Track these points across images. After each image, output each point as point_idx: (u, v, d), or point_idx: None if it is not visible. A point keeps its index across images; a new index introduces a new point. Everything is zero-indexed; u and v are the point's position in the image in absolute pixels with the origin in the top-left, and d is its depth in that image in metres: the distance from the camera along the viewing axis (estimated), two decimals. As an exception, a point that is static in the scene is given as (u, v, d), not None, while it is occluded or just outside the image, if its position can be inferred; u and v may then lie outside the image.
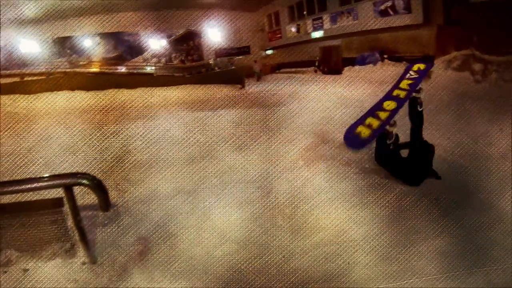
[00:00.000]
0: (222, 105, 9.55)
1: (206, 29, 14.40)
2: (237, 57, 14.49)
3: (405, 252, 3.73)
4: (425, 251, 3.74)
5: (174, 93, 11.55)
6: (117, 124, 8.08)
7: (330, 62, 13.85)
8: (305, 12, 14.42)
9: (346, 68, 12.82)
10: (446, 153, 5.57)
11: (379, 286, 3.43)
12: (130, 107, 9.73)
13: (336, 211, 4.41)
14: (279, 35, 15.62)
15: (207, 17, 13.91)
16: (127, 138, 7.04)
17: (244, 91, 11.95)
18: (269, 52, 15.68)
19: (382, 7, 11.61)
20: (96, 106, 9.69)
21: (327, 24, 13.67)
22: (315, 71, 14.20)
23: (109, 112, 9.25)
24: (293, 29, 14.88)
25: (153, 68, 14.13)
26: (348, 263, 3.70)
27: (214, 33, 14.34)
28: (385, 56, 11.94)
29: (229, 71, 13.80)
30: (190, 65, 14.47)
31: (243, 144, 6.53)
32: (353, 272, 3.57)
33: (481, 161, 5.22)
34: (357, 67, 12.47)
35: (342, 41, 13.48)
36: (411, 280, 3.46)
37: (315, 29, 14.07)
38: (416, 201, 4.51)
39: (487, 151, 5.46)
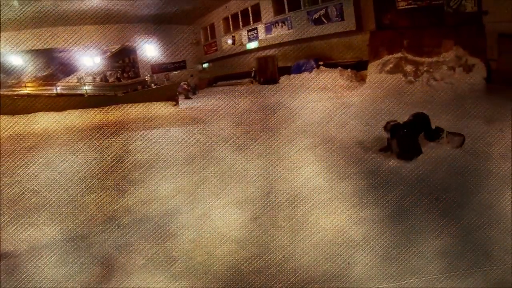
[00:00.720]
0: (150, 125, 8.67)
1: (142, 44, 14.07)
2: (174, 72, 14.30)
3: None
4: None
5: (103, 115, 10.45)
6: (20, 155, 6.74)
7: (266, 72, 14.02)
8: (241, 24, 14.58)
9: (282, 77, 12.97)
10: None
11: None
12: (49, 134, 8.44)
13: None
14: (214, 48, 15.71)
15: (142, 32, 13.64)
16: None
17: (178, 108, 11.54)
18: (205, 65, 15.66)
19: (316, 15, 11.97)
20: (12, 134, 8.38)
21: (262, 35, 13.83)
22: (252, 82, 14.26)
23: (24, 139, 7.91)
24: (229, 41, 15.01)
25: (86, 88, 12.89)
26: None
27: (150, 48, 14.01)
28: (321, 63, 12.18)
29: (163, 87, 13.41)
30: (126, 83, 13.85)
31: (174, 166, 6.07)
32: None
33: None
34: (293, 76, 12.64)
35: (277, 51, 13.58)
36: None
37: (250, 40, 14.21)
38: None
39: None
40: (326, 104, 8.44)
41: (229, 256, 3.85)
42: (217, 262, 3.78)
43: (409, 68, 9.58)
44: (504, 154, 5.18)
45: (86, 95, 12.67)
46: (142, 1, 12.52)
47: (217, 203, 4.70)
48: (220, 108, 9.31)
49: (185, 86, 13.52)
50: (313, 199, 4.63)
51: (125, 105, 10.78)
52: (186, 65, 14.57)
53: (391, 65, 9.94)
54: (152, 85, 13.68)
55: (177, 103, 11.95)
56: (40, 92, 12.66)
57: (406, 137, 5.52)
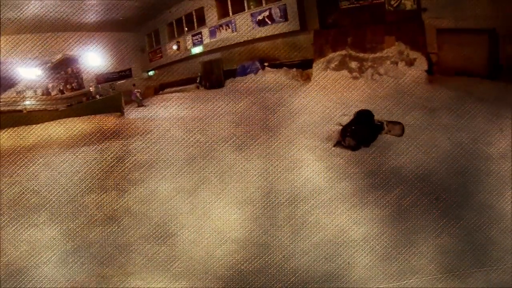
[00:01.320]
0: (91, 141, 7.75)
1: (85, 54, 13.68)
2: (119, 82, 14.04)
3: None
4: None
5: (42, 131, 9.03)
6: None
7: (212, 77, 14.02)
8: (185, 29, 14.62)
9: (228, 81, 12.94)
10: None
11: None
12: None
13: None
14: (159, 55, 15.49)
15: (85, 40, 13.33)
16: None
17: (123, 120, 11.17)
18: (151, 73, 15.45)
19: (260, 17, 12.08)
20: None
21: (206, 39, 13.76)
22: (197, 88, 14.22)
23: None
24: (174, 47, 14.96)
25: (27, 102, 12.10)
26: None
27: (94, 58, 13.62)
28: (266, 64, 12.17)
29: (108, 98, 12.97)
30: (69, 95, 13.33)
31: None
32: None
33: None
34: (238, 78, 12.59)
35: (222, 54, 13.87)
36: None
37: (195, 44, 14.04)
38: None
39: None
40: (270, 104, 8.54)
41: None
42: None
43: (353, 64, 10.01)
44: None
45: (24, 111, 11.67)
46: (84, 8, 12.17)
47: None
48: (167, 117, 9.33)
49: (138, 93, 13.36)
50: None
51: (68, 119, 10.15)
52: (132, 73, 14.36)
53: (336, 63, 10.38)
54: (97, 96, 13.24)
55: (122, 114, 11.60)
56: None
57: (355, 132, 6.29)
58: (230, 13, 12.84)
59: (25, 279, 3.60)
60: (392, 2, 9.69)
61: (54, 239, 4.16)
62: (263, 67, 12.20)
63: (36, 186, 5.49)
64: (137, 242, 4.08)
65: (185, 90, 13.77)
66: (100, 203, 4.97)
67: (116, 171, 5.86)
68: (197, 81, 13.89)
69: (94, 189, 5.34)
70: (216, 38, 13.39)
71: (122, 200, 4.95)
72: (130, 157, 6.37)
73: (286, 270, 3.63)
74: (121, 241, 4.09)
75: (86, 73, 13.15)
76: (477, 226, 4.04)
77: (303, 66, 11.40)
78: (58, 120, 10.12)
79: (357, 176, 5.19)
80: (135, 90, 12.95)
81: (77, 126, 9.26)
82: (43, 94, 12.46)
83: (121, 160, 6.33)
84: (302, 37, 11.45)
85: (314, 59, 10.95)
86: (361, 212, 4.39)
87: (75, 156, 6.63)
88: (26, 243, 4.11)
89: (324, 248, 3.90)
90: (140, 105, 12.63)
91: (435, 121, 6.09)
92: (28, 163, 6.32)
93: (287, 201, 4.69)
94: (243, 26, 12.56)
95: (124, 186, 5.29)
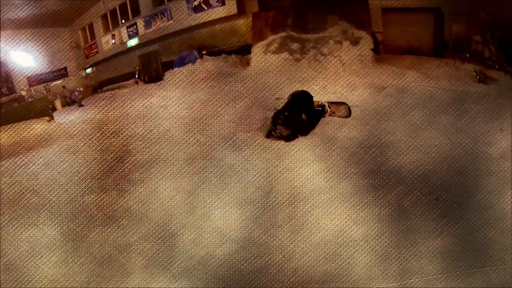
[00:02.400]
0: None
1: (14, 54, 12.52)
2: (55, 83, 13.22)
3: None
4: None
5: None
6: None
7: (150, 70, 13.66)
8: (121, 20, 14.05)
9: (166, 73, 12.82)
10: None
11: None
12: None
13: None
14: (95, 50, 14.79)
15: (13, 39, 12.32)
16: None
17: (53, 125, 10.44)
18: (88, 70, 14.76)
19: (196, 2, 11.39)
20: None
21: (142, 30, 13.56)
22: (136, 83, 13.73)
23: None
24: (110, 41, 14.47)
25: None
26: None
27: (25, 58, 12.51)
28: (204, 52, 11.52)
29: (32, 102, 11.90)
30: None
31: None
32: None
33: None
34: (176, 69, 12.51)
35: (160, 46, 13.51)
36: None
37: (131, 36, 13.53)
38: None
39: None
40: (207, 95, 8.29)
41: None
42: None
43: (295, 46, 9.60)
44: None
45: None
46: (8, 3, 11.03)
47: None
48: (102, 119, 8.39)
49: (77, 93, 12.86)
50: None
51: None
52: (68, 72, 13.55)
53: (275, 45, 9.94)
54: (30, 99, 12.25)
55: (51, 118, 10.95)
56: None
57: (289, 118, 5.88)
58: (165, 0, 12.09)
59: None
60: (335, -19, 9.40)
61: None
62: (201, 56, 11.53)
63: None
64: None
65: (124, 86, 13.24)
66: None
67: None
68: (136, 75, 13.37)
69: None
70: (152, 28, 12.69)
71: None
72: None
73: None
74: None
75: (17, 75, 12.11)
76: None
77: (243, 52, 10.88)
78: None
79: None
80: (75, 90, 12.23)
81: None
82: (-41, 103, 11.25)
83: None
84: (240, 22, 10.97)
85: (253, 43, 10.44)
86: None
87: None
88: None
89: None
90: (80, 105, 11.99)
91: (384, 100, 6.24)
92: None
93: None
94: (179, 14, 11.86)
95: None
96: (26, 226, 4.40)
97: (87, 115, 10.20)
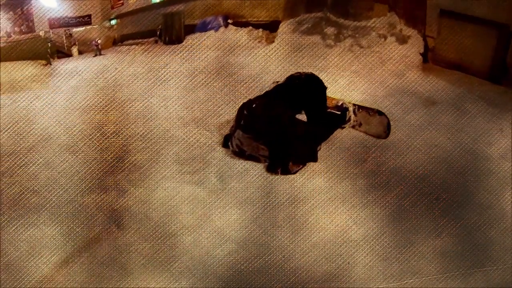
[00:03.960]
0: None
1: None
2: (76, 29, 12.68)
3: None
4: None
5: None
6: None
7: (172, 31, 12.85)
8: None
9: (188, 37, 11.46)
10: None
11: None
12: None
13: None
14: (121, 1, 14.14)
15: None
16: None
17: (48, 69, 10.10)
18: (113, 22, 14.19)
19: None
20: None
21: None
22: (156, 42, 13.18)
23: None
24: None
25: None
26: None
27: None
28: (230, 21, 10.79)
29: (32, 42, 11.41)
30: (17, 39, 12.05)
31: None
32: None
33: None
34: (198, 34, 11.17)
35: (185, 6, 11.87)
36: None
37: None
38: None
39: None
40: (220, 67, 7.70)
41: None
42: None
43: (330, 30, 8.14)
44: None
45: None
46: None
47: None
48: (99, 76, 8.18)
49: (96, 42, 12.53)
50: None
51: None
52: (91, 20, 13.07)
53: (308, 25, 8.48)
54: (49, 43, 12.03)
55: (48, 63, 10.56)
56: None
57: (256, 122, 3.59)
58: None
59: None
60: (393, -37, 7.41)
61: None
62: (226, 25, 10.90)
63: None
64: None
65: (142, 44, 12.80)
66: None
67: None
68: (157, 34, 12.88)
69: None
70: None
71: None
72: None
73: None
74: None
75: (39, 15, 11.76)
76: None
77: (271, 28, 9.66)
78: None
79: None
80: (96, 40, 11.97)
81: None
82: (-22, 36, 11.18)
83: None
84: None
85: (282, 18, 9.09)
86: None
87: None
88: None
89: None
90: (98, 54, 11.70)
91: (433, 119, 5.82)
92: None
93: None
94: None
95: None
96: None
97: (88, 70, 9.76)
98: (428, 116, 5.30)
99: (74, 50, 11.98)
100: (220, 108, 8.08)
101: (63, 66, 10.51)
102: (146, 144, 6.65)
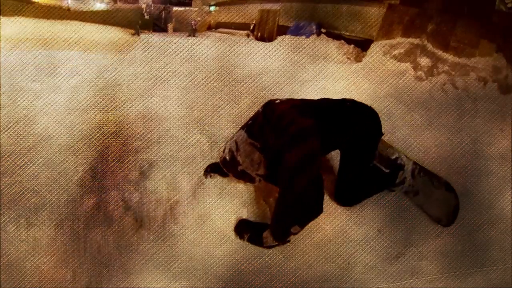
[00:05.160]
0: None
1: None
2: (175, 8, 13.12)
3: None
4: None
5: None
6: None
7: (265, 28, 12.76)
8: None
9: (279, 37, 11.11)
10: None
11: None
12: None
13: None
14: None
15: None
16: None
17: (135, 38, 10.40)
18: (212, 8, 14.45)
19: None
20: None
21: None
22: (247, 36, 13.17)
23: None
24: None
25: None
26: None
27: None
28: (323, 30, 10.29)
29: (125, 11, 12.06)
30: (120, 7, 12.86)
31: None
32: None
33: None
34: (289, 37, 10.83)
35: (282, 6, 11.64)
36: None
37: None
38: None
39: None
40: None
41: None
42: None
43: (424, 60, 7.13)
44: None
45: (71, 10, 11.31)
46: None
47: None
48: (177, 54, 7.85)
49: (195, 22, 12.70)
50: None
51: (78, 23, 9.76)
52: (192, 3, 13.48)
53: (401, 50, 7.53)
54: (145, 14, 12.64)
55: (136, 33, 11.01)
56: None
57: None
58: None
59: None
60: (507, 1, 6.24)
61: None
62: (318, 33, 10.43)
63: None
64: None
65: (233, 34, 12.77)
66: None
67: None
68: (251, 28, 12.86)
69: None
70: None
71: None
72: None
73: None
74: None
75: None
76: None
77: (364, 46, 8.79)
78: (68, 21, 9.78)
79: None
80: (195, 19, 12.29)
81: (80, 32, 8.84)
82: (95, -1, 12.16)
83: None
84: (373, 9, 8.85)
85: (376, 37, 8.30)
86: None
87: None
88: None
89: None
90: (192, 35, 11.96)
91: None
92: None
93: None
94: None
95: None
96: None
97: (173, 47, 9.78)
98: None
99: (170, 26, 12.49)
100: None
101: (149, 39, 10.87)
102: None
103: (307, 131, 2.35)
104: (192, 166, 6.02)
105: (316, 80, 6.92)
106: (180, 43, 9.55)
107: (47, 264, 3.77)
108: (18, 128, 8.20)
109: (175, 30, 12.30)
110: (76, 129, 7.70)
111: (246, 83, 7.22)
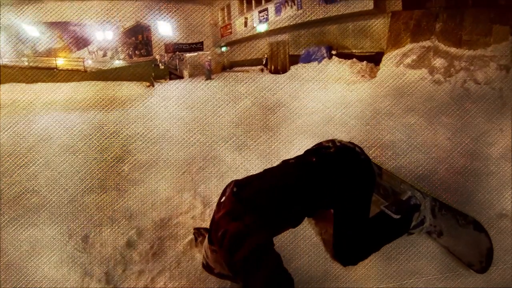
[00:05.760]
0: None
1: (157, 22, 13.46)
2: (189, 54, 13.51)
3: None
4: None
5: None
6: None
7: (277, 60, 12.38)
8: (253, 3, 13.05)
9: (293, 67, 11.28)
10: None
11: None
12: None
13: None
14: (229, 30, 14.37)
15: (159, 10, 13.11)
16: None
17: (150, 90, 10.71)
18: (224, 49, 14.74)
19: None
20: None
21: (272, 16, 12.24)
22: (261, 70, 13.16)
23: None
24: (242, 23, 14.04)
25: (89, 62, 12.76)
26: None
27: (166, 27, 13.39)
28: (334, 52, 10.27)
29: (140, 66, 12.71)
30: (136, 61, 13.51)
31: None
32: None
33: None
34: (301, 65, 10.93)
35: (290, 36, 11.88)
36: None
37: (261, 22, 12.70)
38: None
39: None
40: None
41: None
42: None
43: (439, 62, 6.90)
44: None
45: (56, 70, 12.31)
46: None
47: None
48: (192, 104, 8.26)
49: (209, 62, 12.81)
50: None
51: (90, 83, 10.49)
52: (203, 47, 13.91)
53: (413, 57, 7.31)
54: (160, 64, 13.22)
55: (152, 85, 11.33)
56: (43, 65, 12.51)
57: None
58: (296, -13, 10.17)
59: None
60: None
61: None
62: (329, 56, 10.36)
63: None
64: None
65: (247, 71, 12.87)
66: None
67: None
68: (263, 62, 12.98)
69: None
70: (282, 15, 11.88)
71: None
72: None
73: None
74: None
75: (156, 41, 13.09)
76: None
77: (376, 60, 8.74)
78: (80, 82, 10.41)
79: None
80: (209, 59, 12.55)
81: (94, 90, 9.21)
82: (103, 56, 13.04)
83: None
84: (377, 21, 8.90)
85: (385, 49, 8.07)
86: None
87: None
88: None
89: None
90: (208, 78, 12.13)
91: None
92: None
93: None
94: (309, 3, 10.72)
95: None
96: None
97: (188, 96, 9.96)
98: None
99: (185, 73, 12.91)
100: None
101: (163, 88, 11.29)
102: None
103: (240, 236, 2.25)
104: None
105: (328, 108, 6.87)
106: (196, 87, 9.73)
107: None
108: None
109: (190, 75, 12.46)
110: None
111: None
